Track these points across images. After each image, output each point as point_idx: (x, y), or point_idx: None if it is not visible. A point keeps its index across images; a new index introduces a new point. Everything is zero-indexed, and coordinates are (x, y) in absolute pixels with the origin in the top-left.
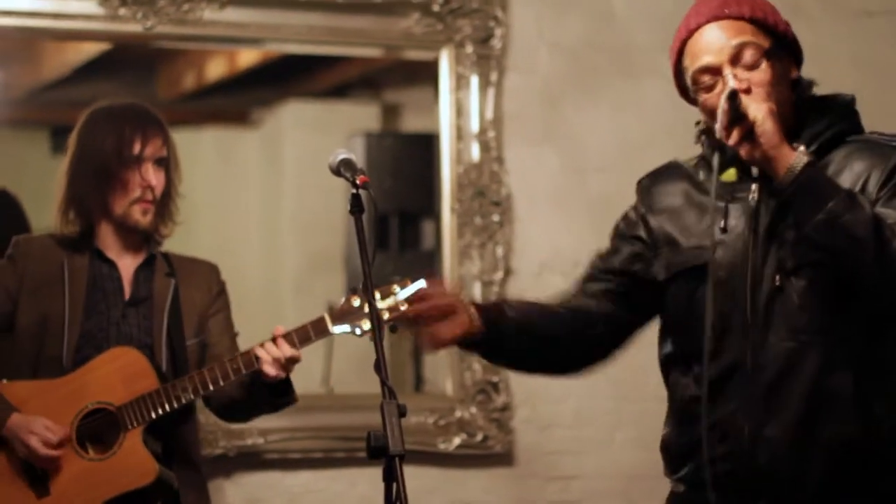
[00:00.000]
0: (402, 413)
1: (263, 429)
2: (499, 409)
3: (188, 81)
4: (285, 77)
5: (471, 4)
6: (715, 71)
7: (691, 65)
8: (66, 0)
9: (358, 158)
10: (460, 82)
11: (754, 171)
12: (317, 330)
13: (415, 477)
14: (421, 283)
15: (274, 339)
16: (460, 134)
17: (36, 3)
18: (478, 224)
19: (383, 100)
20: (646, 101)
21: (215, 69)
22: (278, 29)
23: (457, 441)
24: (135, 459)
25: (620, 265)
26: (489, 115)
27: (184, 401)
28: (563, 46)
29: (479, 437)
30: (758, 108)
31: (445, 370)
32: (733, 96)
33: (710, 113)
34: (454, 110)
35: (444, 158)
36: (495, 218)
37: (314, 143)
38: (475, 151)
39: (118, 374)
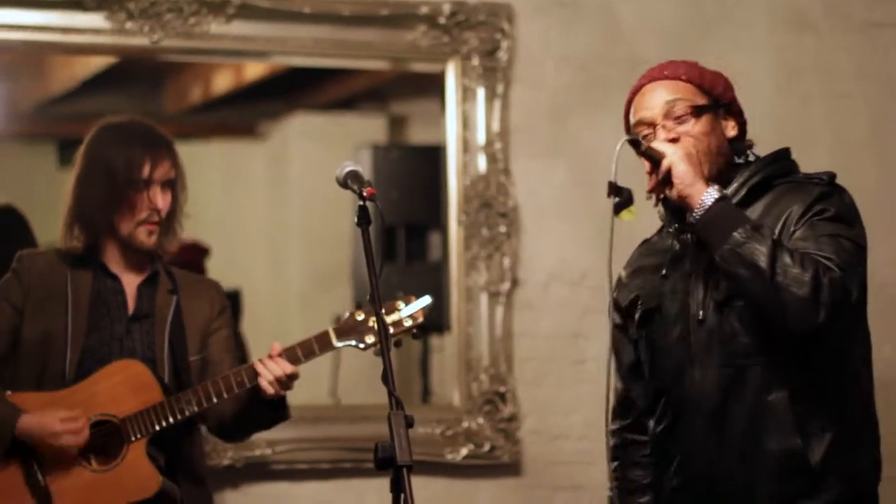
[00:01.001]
0: (409, 424)
1: (271, 440)
2: (506, 420)
3: (195, 94)
4: (292, 90)
5: (477, 17)
6: (650, 124)
7: (633, 118)
8: (74, 14)
9: (365, 171)
10: (467, 94)
11: (688, 216)
12: (321, 344)
13: (422, 488)
14: (426, 300)
15: (271, 357)
16: (467, 146)
17: (43, 17)
18: (484, 235)
19: (390, 112)
20: None
21: (222, 82)
22: (285, 42)
23: (464, 451)
24: (138, 471)
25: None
26: (495, 127)
27: (187, 413)
28: (569, 58)
29: (487, 447)
30: (673, 153)
31: (452, 381)
32: (632, 143)
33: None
34: (461, 122)
35: (450, 170)
36: (502, 229)
37: (321, 155)
38: (482, 163)
39: (122, 387)
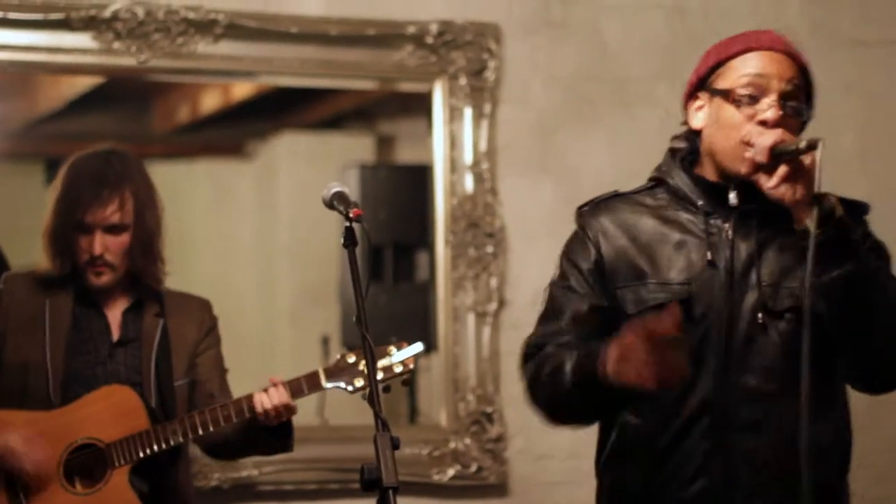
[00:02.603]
0: (395, 445)
1: (258, 461)
2: (493, 440)
3: (183, 114)
4: (279, 109)
5: (464, 37)
6: (764, 90)
7: (741, 68)
8: (61, 34)
9: (352, 190)
10: (454, 114)
11: (732, 199)
12: (310, 384)
13: None
14: (418, 347)
15: (266, 390)
16: (454, 166)
17: (31, 37)
18: (472, 255)
19: (377, 132)
20: (640, 132)
21: (209, 102)
22: (272, 62)
23: (451, 472)
24: (119, 497)
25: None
26: (483, 146)
27: (172, 443)
28: (556, 78)
29: (474, 468)
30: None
31: (440, 401)
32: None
33: (732, 126)
34: (448, 142)
35: (437, 190)
36: (489, 249)
37: (308, 174)
38: (469, 183)
39: (110, 412)
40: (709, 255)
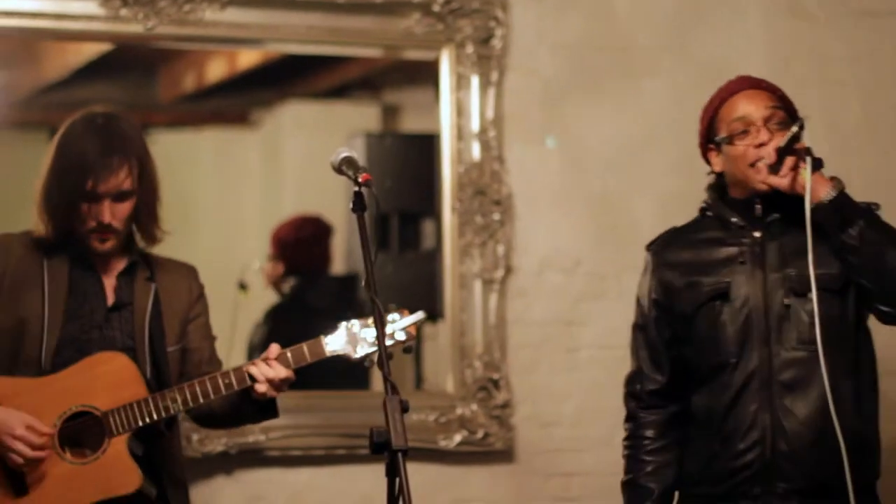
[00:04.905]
0: (405, 408)
1: (265, 426)
2: (499, 407)
3: (188, 82)
4: (285, 77)
5: (471, 4)
6: (749, 122)
7: (728, 115)
8: (68, 1)
9: (358, 159)
10: (461, 82)
11: (757, 210)
12: (313, 351)
13: (416, 474)
14: (420, 315)
15: (266, 360)
16: (461, 134)
17: (37, 4)
18: (478, 223)
19: (383, 100)
20: (646, 101)
21: (216, 70)
22: (278, 29)
23: (458, 438)
24: (119, 466)
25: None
26: (490, 114)
27: (172, 411)
28: (563, 46)
29: (480, 434)
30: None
31: (446, 368)
32: (801, 127)
33: (740, 157)
34: (455, 110)
35: (444, 158)
36: (496, 217)
37: (314, 143)
38: (476, 151)
39: (105, 379)
40: (743, 257)
